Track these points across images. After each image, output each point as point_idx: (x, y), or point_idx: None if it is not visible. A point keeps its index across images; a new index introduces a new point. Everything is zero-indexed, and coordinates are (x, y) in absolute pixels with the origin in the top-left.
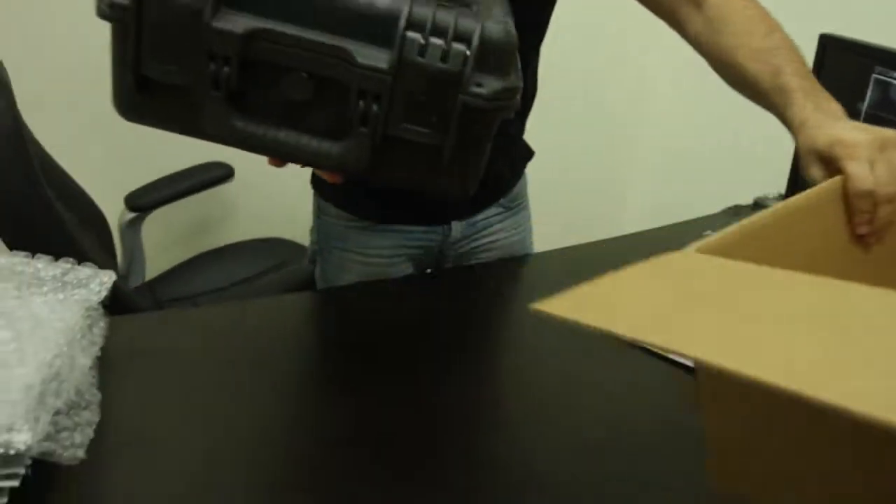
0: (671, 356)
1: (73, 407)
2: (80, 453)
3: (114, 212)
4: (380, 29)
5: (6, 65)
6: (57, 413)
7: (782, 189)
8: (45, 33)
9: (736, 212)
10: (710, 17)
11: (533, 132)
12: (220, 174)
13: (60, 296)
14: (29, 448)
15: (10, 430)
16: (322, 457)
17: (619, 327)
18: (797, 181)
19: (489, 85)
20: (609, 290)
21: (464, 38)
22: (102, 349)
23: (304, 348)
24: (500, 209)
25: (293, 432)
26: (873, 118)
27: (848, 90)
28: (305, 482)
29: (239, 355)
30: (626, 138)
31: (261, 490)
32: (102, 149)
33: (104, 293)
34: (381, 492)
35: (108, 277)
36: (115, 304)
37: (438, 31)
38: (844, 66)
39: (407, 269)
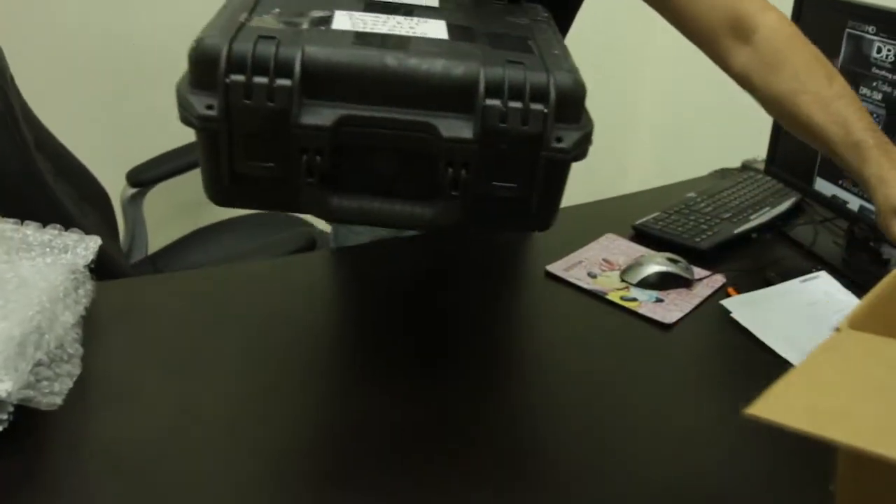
0: None
1: (54, 359)
2: (58, 400)
3: (116, 188)
4: (458, 97)
5: (7, 43)
6: (38, 364)
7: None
8: (47, 11)
9: (723, 174)
10: (763, 54)
11: None
12: None
13: (48, 260)
14: (9, 395)
15: None
16: (309, 414)
17: (834, 433)
18: (777, 147)
19: (568, 137)
20: (806, 389)
21: (540, 95)
22: (88, 310)
23: (294, 308)
24: None
25: (278, 390)
26: (848, 73)
27: (824, 45)
28: (290, 438)
29: (226, 316)
30: (626, 106)
31: (239, 442)
32: (103, 125)
33: (90, 257)
34: (370, 443)
35: (94, 242)
36: (111, 275)
37: (515, 93)
38: (820, 22)
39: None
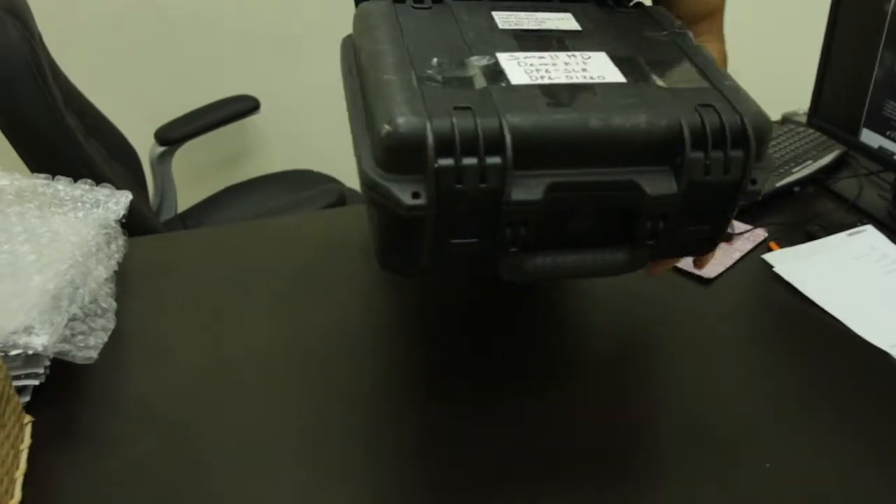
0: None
1: (88, 314)
2: (94, 354)
3: (144, 146)
4: (659, 152)
5: (35, 1)
6: (73, 318)
7: (808, 104)
8: None
9: None
10: None
11: None
12: (246, 106)
13: (79, 214)
14: (46, 349)
15: (28, 332)
16: (341, 368)
17: None
18: (820, 99)
19: (760, 177)
20: None
21: (738, 141)
22: (121, 265)
23: (325, 262)
24: None
25: (309, 345)
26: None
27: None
28: (321, 392)
29: (254, 270)
30: None
31: (271, 396)
32: (131, 84)
33: (122, 212)
34: (395, 400)
35: (125, 197)
36: (142, 232)
37: (716, 142)
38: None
39: None
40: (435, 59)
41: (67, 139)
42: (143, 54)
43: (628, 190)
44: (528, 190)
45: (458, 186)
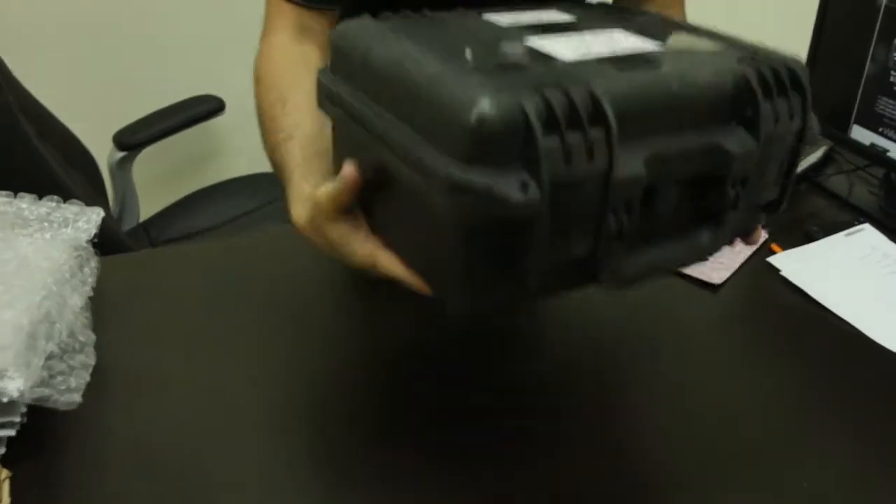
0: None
1: (66, 350)
2: (77, 397)
3: (102, 152)
4: (730, 107)
5: None
6: (50, 357)
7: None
8: None
9: None
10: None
11: None
12: (210, 107)
13: (47, 235)
14: (22, 394)
15: (2, 377)
16: (335, 392)
17: None
18: (818, 51)
19: (812, 119)
20: None
21: (795, 85)
22: (95, 289)
23: (305, 279)
24: None
25: (303, 368)
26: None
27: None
28: (319, 418)
29: (239, 290)
30: None
31: (275, 433)
32: (87, 87)
33: (93, 231)
34: (395, 421)
35: (96, 215)
36: (108, 246)
37: (780, 90)
38: None
39: None
40: (468, 51)
41: (24, 146)
42: (98, 54)
43: (715, 154)
44: (630, 163)
45: (570, 170)
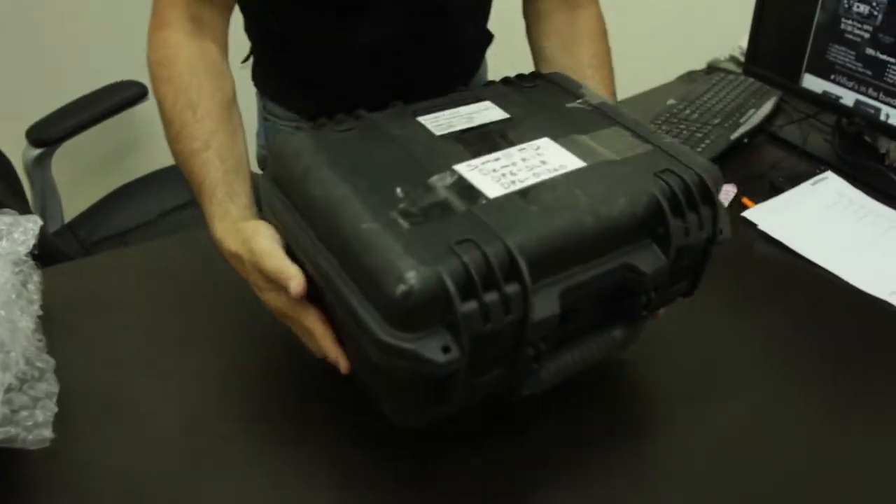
0: None
1: (25, 379)
2: (47, 433)
3: (16, 150)
4: (643, 227)
5: None
6: (8, 390)
7: (732, 51)
8: None
9: (691, 77)
10: (571, 31)
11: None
12: (131, 94)
13: None
14: None
15: None
16: (313, 393)
17: None
18: (757, 46)
19: (724, 223)
20: None
21: (704, 197)
22: (42, 307)
23: None
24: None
25: (284, 371)
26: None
27: None
28: (300, 426)
29: (199, 291)
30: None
31: (264, 452)
32: None
33: (31, 242)
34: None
35: (32, 224)
36: (41, 256)
37: (690, 205)
38: None
39: None
40: (399, 189)
41: None
42: (1, 42)
43: (627, 273)
44: (545, 305)
45: (487, 326)
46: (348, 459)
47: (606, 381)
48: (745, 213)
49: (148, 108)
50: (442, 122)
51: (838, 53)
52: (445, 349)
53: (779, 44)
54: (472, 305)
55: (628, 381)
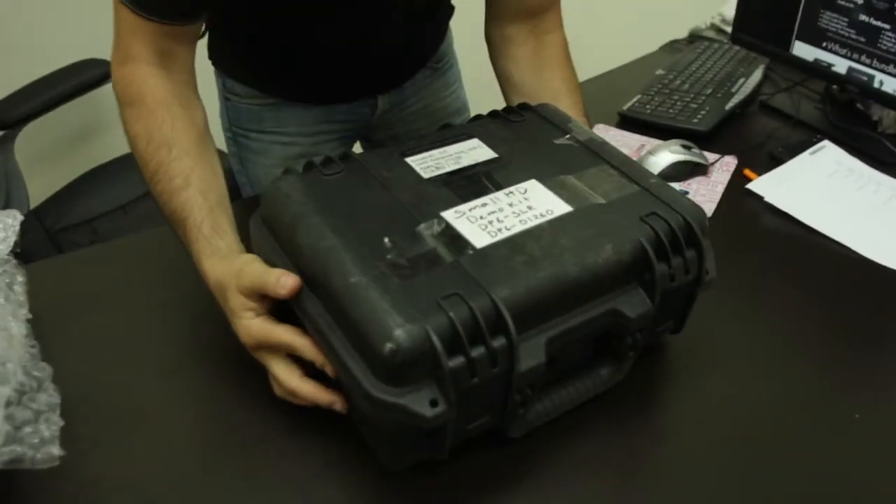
0: None
1: (24, 391)
2: (55, 450)
3: None
4: (629, 273)
5: None
6: (8, 404)
7: (713, 19)
8: None
9: (674, 47)
10: (540, 56)
11: None
12: (96, 74)
13: None
14: None
15: None
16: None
17: None
18: (746, 14)
19: (710, 264)
20: None
21: (690, 241)
22: (30, 310)
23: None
24: (427, 71)
25: None
26: None
27: None
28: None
29: (185, 286)
30: None
31: (279, 450)
32: None
33: (12, 239)
34: None
35: (12, 219)
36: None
37: (675, 249)
38: None
39: (334, 147)
40: (386, 240)
41: None
42: None
43: (612, 317)
44: (531, 355)
45: (474, 380)
46: (376, 467)
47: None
48: (750, 186)
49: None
50: (430, 163)
51: (830, 20)
52: (433, 403)
53: (768, 11)
54: (458, 360)
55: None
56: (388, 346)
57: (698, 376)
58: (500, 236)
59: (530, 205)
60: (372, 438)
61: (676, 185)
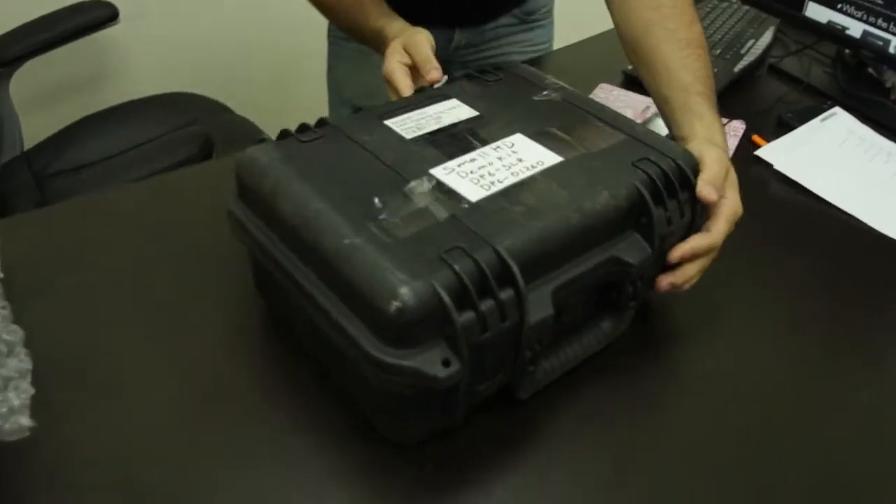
0: None
1: None
2: (25, 421)
3: None
4: (627, 219)
5: None
6: None
7: None
8: None
9: None
10: None
11: None
12: (100, 15)
13: None
14: None
15: None
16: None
17: None
18: None
19: (700, 207)
20: None
21: (683, 183)
22: (1, 267)
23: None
24: (514, 20)
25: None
26: None
27: None
28: (318, 407)
29: (179, 243)
30: None
31: (267, 431)
32: None
33: None
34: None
35: None
36: None
37: (670, 192)
38: None
39: None
40: (376, 199)
41: None
42: None
43: (614, 265)
44: (539, 307)
45: (486, 335)
46: (366, 449)
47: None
48: (759, 152)
49: (117, 31)
50: (410, 124)
51: None
52: (445, 363)
53: None
54: (468, 315)
55: (636, 329)
56: (394, 304)
57: (702, 343)
58: (494, 189)
59: (520, 157)
60: (376, 413)
61: None
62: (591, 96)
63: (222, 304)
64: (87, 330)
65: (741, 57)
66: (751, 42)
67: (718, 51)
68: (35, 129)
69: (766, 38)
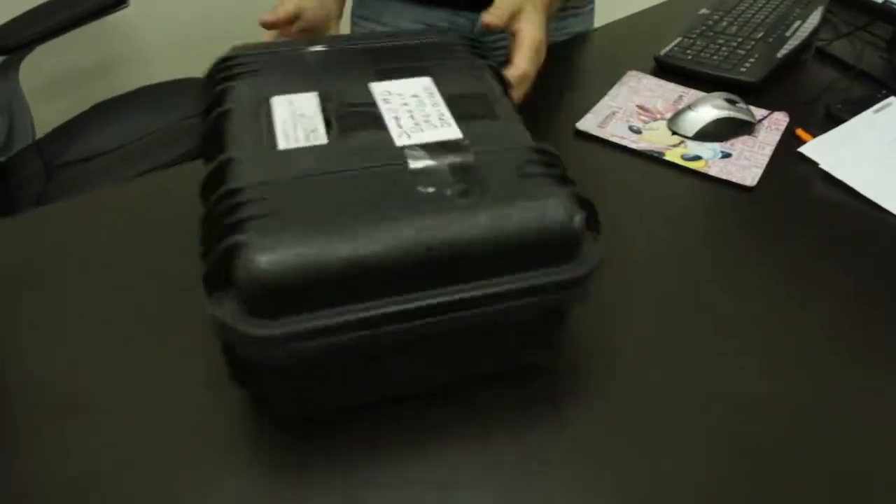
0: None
1: None
2: None
3: None
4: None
5: None
6: None
7: None
8: None
9: None
10: None
11: None
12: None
13: None
14: None
15: None
16: None
17: None
18: None
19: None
20: None
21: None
22: None
23: None
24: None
25: None
26: None
27: None
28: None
29: (162, 247)
30: None
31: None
32: None
33: None
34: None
35: None
36: None
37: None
38: None
39: None
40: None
41: None
42: None
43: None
44: None
45: None
46: (352, 460)
47: (650, 329)
48: (802, 149)
49: (129, 15)
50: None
51: None
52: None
53: None
54: None
55: (650, 339)
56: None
57: (728, 364)
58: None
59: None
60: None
61: (717, 146)
62: (620, 84)
63: (202, 318)
64: (56, 345)
65: (786, 40)
66: (797, 24)
67: (761, 34)
68: (46, 117)
69: (814, 19)
